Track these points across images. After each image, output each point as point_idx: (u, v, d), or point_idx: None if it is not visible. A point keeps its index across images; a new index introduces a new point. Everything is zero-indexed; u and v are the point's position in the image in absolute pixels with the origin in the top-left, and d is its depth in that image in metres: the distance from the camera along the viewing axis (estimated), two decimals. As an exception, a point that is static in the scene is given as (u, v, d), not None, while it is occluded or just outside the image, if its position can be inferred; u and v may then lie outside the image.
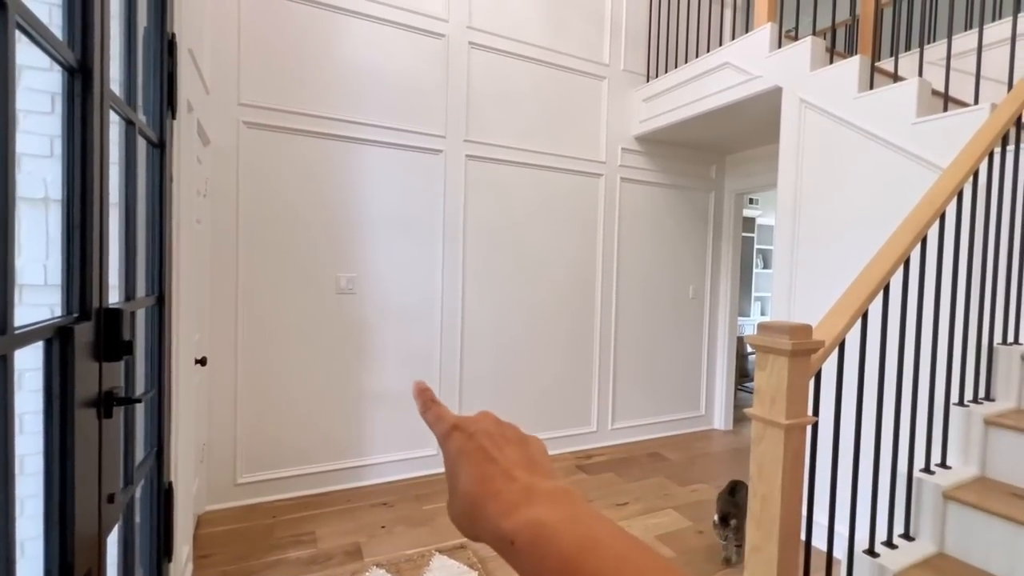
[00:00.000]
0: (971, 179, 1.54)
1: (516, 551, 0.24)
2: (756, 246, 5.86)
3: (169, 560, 1.49)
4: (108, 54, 0.92)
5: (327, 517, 2.39)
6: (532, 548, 0.24)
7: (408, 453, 2.85)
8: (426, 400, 0.35)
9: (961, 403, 1.62)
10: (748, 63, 2.63)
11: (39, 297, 1.43)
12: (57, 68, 0.83)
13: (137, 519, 1.33)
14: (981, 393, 1.67)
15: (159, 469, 1.43)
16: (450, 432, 0.31)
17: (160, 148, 1.39)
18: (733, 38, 2.81)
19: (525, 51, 3.09)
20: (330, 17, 2.58)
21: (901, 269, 1.38)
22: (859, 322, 1.30)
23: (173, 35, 1.45)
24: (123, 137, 1.18)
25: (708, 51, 2.94)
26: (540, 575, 0.23)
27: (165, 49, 1.40)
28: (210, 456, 2.40)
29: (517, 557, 0.25)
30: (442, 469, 2.91)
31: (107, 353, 0.93)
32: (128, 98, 1.20)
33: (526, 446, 0.31)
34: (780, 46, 2.51)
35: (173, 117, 1.48)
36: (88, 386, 0.87)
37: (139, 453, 1.29)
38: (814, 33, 2.48)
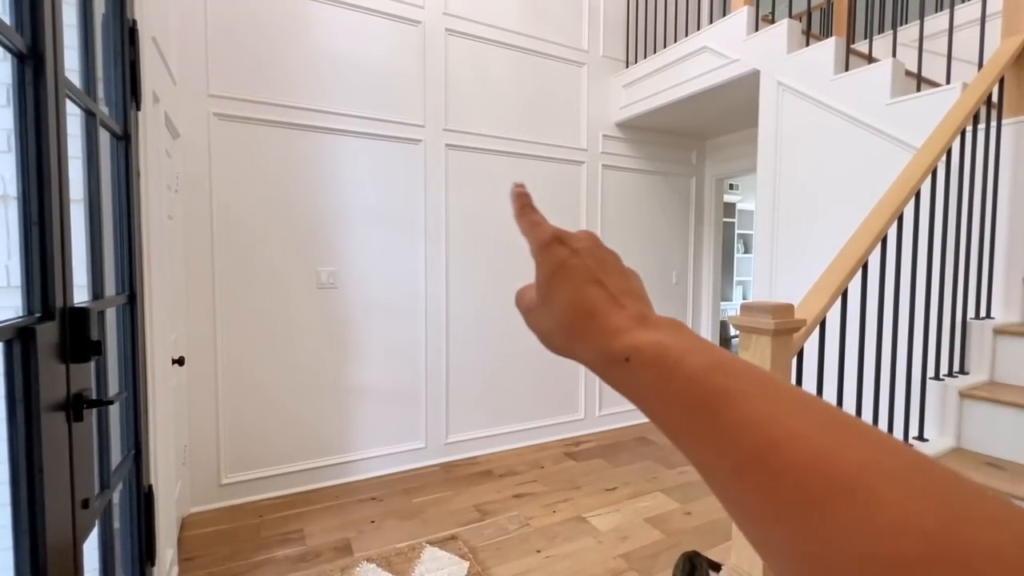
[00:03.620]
0: (944, 157, 1.56)
1: (631, 368, 0.24)
2: (737, 231, 5.93)
3: (152, 564, 1.46)
4: (61, 39, 0.87)
5: (315, 514, 2.36)
6: (653, 366, 0.23)
7: (395, 447, 2.83)
8: (523, 204, 0.32)
9: (937, 377, 1.66)
10: (726, 47, 2.63)
11: (2, 299, 1.38)
12: (10, 58, 0.79)
13: (117, 524, 1.29)
14: (956, 367, 1.71)
15: (138, 472, 1.39)
16: (550, 243, 0.29)
17: (125, 141, 1.34)
18: (711, 22, 2.80)
19: (503, 38, 3.05)
20: (302, 3, 2.51)
21: (879, 247, 1.40)
22: (839, 300, 1.32)
23: (134, 22, 1.39)
24: (84, 129, 1.13)
25: (686, 36, 2.94)
26: (660, 392, 0.23)
27: (126, 37, 1.34)
28: (193, 457, 2.36)
29: (629, 375, 0.24)
30: (430, 462, 2.91)
31: (74, 354, 0.89)
32: (88, 88, 1.15)
33: (628, 278, 0.29)
34: (757, 29, 2.52)
35: (138, 108, 1.43)
36: (55, 388, 0.83)
37: (116, 456, 1.25)
38: (790, 16, 2.49)
